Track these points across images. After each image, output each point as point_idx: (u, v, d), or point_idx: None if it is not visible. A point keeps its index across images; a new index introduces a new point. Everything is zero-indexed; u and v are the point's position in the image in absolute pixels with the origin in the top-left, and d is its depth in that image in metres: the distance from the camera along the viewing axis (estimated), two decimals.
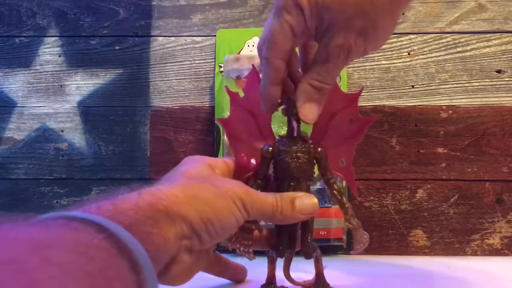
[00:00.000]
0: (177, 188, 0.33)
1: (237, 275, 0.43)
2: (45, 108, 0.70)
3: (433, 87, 0.66)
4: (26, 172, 0.69)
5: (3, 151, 0.70)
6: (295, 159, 0.37)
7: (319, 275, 0.39)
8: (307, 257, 0.38)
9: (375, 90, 0.67)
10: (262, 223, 0.38)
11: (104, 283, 0.22)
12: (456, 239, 0.63)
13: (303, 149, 0.37)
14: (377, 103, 0.66)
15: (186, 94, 0.69)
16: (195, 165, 0.36)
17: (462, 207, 0.64)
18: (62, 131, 0.69)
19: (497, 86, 0.65)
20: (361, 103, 0.66)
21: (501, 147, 0.63)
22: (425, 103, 0.66)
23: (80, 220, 0.25)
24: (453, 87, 0.66)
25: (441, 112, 0.65)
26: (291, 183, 0.37)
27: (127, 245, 0.25)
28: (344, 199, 0.38)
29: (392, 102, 0.66)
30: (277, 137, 0.39)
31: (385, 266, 0.54)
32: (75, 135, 0.69)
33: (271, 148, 0.38)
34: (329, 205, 0.58)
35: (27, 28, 0.71)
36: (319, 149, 0.38)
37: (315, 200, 0.36)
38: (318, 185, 0.56)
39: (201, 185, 0.34)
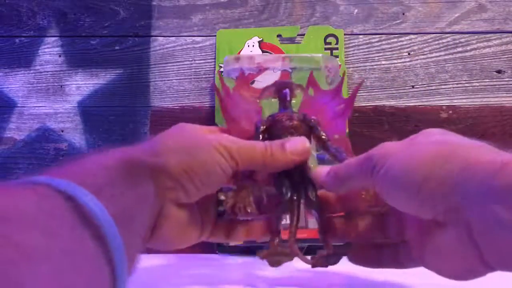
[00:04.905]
0: (150, 143, 0.32)
1: (250, 234, 0.38)
2: (45, 108, 0.70)
3: (433, 87, 0.66)
4: (26, 172, 0.69)
5: (3, 151, 0.70)
6: (289, 120, 0.38)
7: (327, 247, 0.36)
8: (310, 205, 0.36)
9: (375, 90, 0.67)
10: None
11: (66, 259, 0.21)
12: None
13: (296, 114, 0.39)
14: (377, 103, 0.66)
15: (186, 94, 0.69)
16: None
17: None
18: (62, 131, 0.70)
19: (497, 86, 0.66)
20: (361, 103, 0.66)
21: (501, 147, 0.63)
22: (425, 103, 0.66)
23: (46, 186, 0.24)
24: (453, 87, 0.66)
25: (441, 112, 0.65)
26: (285, 137, 0.37)
27: (92, 213, 0.23)
28: (343, 154, 0.37)
29: (392, 102, 0.66)
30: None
31: None
32: (75, 135, 0.69)
33: (265, 123, 0.39)
34: None
35: (27, 28, 0.71)
36: (312, 118, 0.39)
37: (306, 140, 0.36)
38: None
39: (178, 138, 0.32)
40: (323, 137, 0.38)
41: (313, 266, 0.36)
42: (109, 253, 0.23)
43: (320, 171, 0.35)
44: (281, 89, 0.41)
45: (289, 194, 0.36)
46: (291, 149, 0.35)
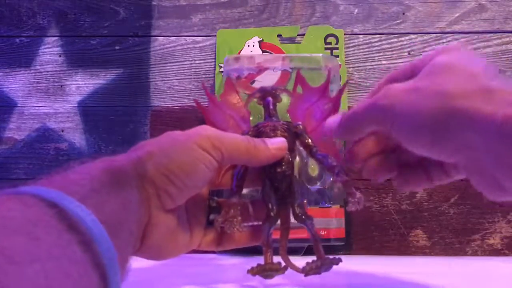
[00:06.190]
0: (133, 151, 0.32)
1: (239, 241, 0.39)
2: (45, 108, 0.70)
3: None
4: (26, 172, 0.69)
5: (3, 151, 0.70)
6: (272, 131, 0.38)
7: (320, 257, 0.37)
8: (297, 219, 0.37)
9: None
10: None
11: (52, 264, 0.21)
12: (456, 239, 0.63)
13: (281, 123, 0.39)
14: None
15: (186, 94, 0.69)
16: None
17: (462, 207, 0.63)
18: (62, 131, 0.70)
19: None
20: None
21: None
22: None
23: (31, 195, 0.24)
24: None
25: None
26: None
27: (78, 219, 0.23)
28: (329, 160, 0.37)
29: None
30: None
31: (385, 266, 0.54)
32: (75, 135, 0.69)
33: (251, 132, 0.39)
34: (329, 205, 0.58)
35: (27, 28, 0.71)
36: (298, 124, 0.39)
37: (284, 139, 0.37)
38: (318, 185, 0.56)
39: (159, 143, 0.32)
40: (309, 143, 0.38)
41: (306, 275, 0.36)
42: (98, 257, 0.23)
43: (331, 123, 0.36)
44: (264, 97, 0.41)
45: (275, 210, 0.37)
46: (271, 143, 0.36)
